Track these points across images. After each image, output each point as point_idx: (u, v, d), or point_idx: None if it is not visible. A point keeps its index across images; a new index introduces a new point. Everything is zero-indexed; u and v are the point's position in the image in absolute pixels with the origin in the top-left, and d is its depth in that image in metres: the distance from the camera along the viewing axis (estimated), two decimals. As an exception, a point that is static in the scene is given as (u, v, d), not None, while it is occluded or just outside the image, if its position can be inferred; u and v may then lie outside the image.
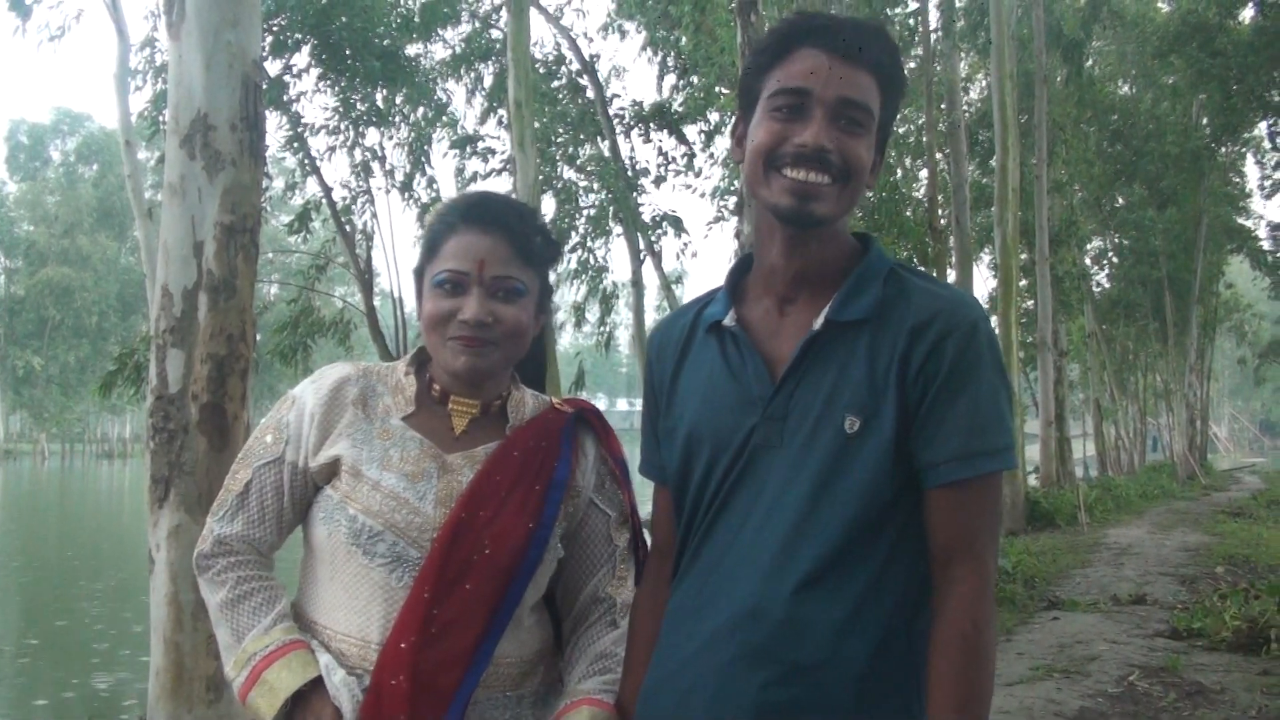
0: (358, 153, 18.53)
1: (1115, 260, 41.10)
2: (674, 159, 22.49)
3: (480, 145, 22.23)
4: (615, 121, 21.73)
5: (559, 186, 23.08)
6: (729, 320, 2.04)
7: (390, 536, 2.07)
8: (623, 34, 23.04)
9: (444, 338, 2.14)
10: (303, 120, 17.79)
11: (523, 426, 2.22)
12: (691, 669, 1.93)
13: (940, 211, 21.32)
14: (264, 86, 5.02)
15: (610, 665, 2.20)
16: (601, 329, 25.01)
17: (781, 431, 1.93)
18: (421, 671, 2.00)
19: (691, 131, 22.68)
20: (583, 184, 23.39)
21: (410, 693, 1.99)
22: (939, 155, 23.26)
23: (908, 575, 1.90)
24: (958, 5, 23.38)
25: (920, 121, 24.17)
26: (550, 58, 22.54)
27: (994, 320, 19.31)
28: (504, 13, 16.32)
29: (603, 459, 2.28)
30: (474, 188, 23.29)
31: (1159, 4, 34.02)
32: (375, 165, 18.82)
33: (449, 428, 2.19)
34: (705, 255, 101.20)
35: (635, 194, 21.83)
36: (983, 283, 30.56)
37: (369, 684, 2.03)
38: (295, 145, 17.97)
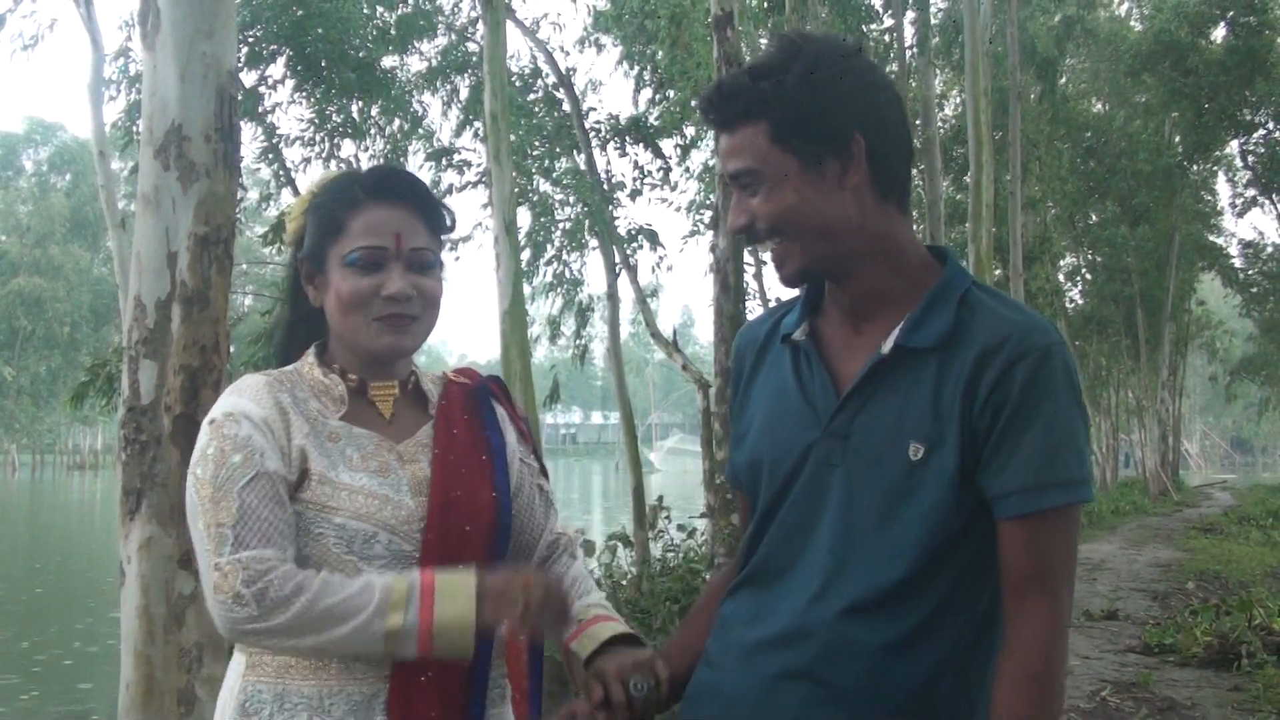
0: (333, 164, 18.49)
1: (1088, 277, 41.35)
2: (650, 172, 22.49)
3: (456, 158, 22.19)
4: (591, 135, 21.72)
5: (535, 199, 23.06)
6: (799, 334, 2.02)
7: (384, 536, 2.03)
8: (599, 48, 23.06)
9: (367, 318, 2.09)
10: (278, 131, 17.75)
11: (446, 403, 2.23)
12: (735, 679, 1.93)
13: (915, 227, 21.38)
14: (239, 97, 5.00)
15: (589, 587, 2.28)
16: (577, 342, 24.98)
17: (844, 450, 1.91)
18: (443, 662, 1.99)
19: (667, 145, 22.67)
20: (559, 197, 23.37)
21: (440, 682, 2.01)
22: (914, 171, 23.31)
23: (971, 606, 1.87)
24: (932, 22, 23.51)
25: (895, 137, 24.22)
26: (527, 71, 22.53)
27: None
28: (480, 26, 16.31)
29: (511, 419, 2.32)
30: (451, 200, 23.27)
31: (1132, 23, 34.31)
32: (350, 177, 18.76)
33: (379, 415, 2.16)
34: (681, 269, 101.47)
35: (611, 207, 21.81)
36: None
37: (390, 686, 1.98)
38: (270, 156, 17.93)
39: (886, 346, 1.90)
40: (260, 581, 1.91)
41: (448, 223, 2.21)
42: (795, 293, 2.10)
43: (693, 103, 2.19)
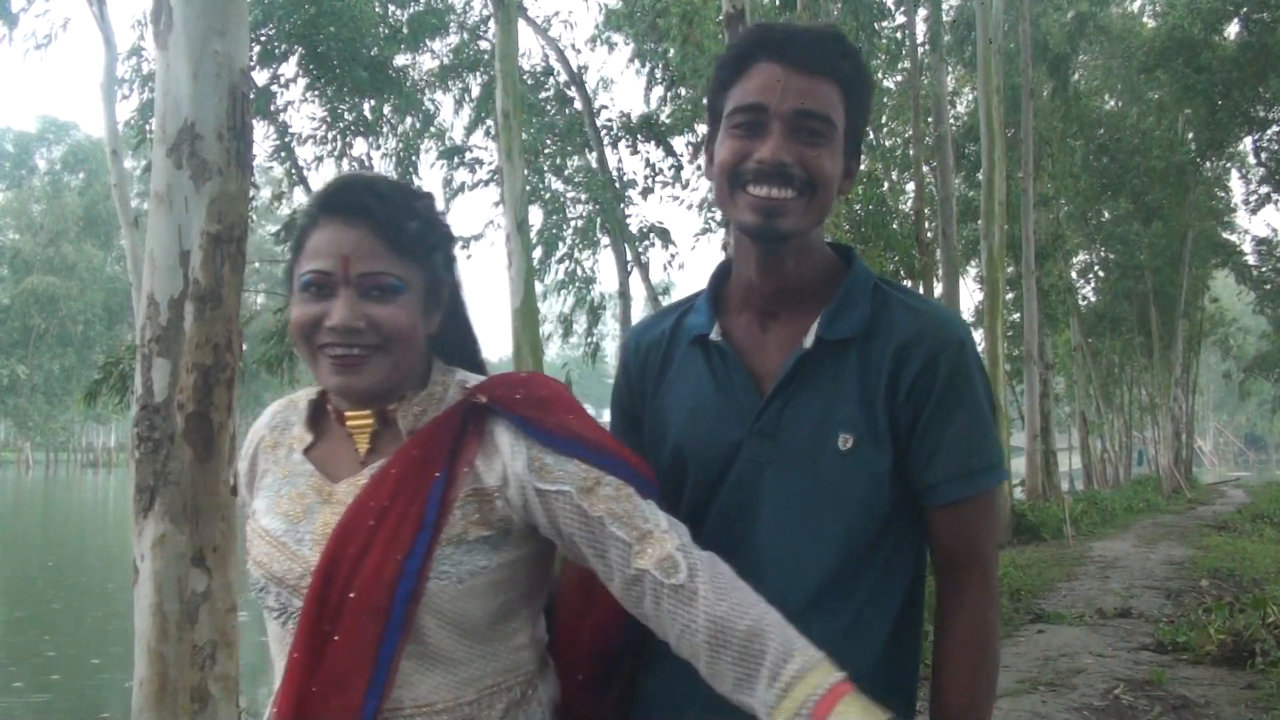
0: (345, 162, 18.54)
1: (1101, 274, 41.30)
2: (661, 170, 22.54)
3: (468, 156, 22.26)
4: (603, 133, 21.75)
5: (547, 197, 23.08)
6: (715, 335, 2.00)
7: (274, 588, 1.81)
8: (611, 46, 23.07)
9: (314, 351, 1.81)
10: (290, 130, 17.79)
11: (416, 433, 1.85)
12: (684, 685, 1.84)
13: (927, 224, 21.36)
14: (251, 96, 5.00)
15: (754, 643, 1.66)
16: (589, 340, 25.01)
17: (772, 448, 1.91)
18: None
19: (679, 143, 22.75)
20: (570, 195, 23.40)
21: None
22: (926, 168, 23.31)
23: (900, 582, 1.92)
24: (944, 19, 23.47)
25: (907, 135, 24.26)
26: (538, 69, 22.58)
27: (980, 333, 19.38)
28: (492, 24, 16.33)
29: (528, 440, 1.82)
30: (461, 199, 23.32)
31: (1145, 19, 34.21)
32: (363, 175, 18.80)
33: (353, 450, 1.89)
34: (692, 266, 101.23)
35: (622, 205, 21.84)
36: (969, 296, 30.70)
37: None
38: (283, 155, 17.98)
39: (808, 340, 1.92)
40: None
41: (424, 238, 1.88)
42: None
43: (767, 33, 1.99)
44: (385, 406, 1.87)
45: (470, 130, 22.47)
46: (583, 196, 22.92)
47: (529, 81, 21.59)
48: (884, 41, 21.71)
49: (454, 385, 1.91)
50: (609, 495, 1.79)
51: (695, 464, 1.97)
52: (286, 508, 1.86)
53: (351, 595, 1.71)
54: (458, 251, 2.03)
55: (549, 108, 22.64)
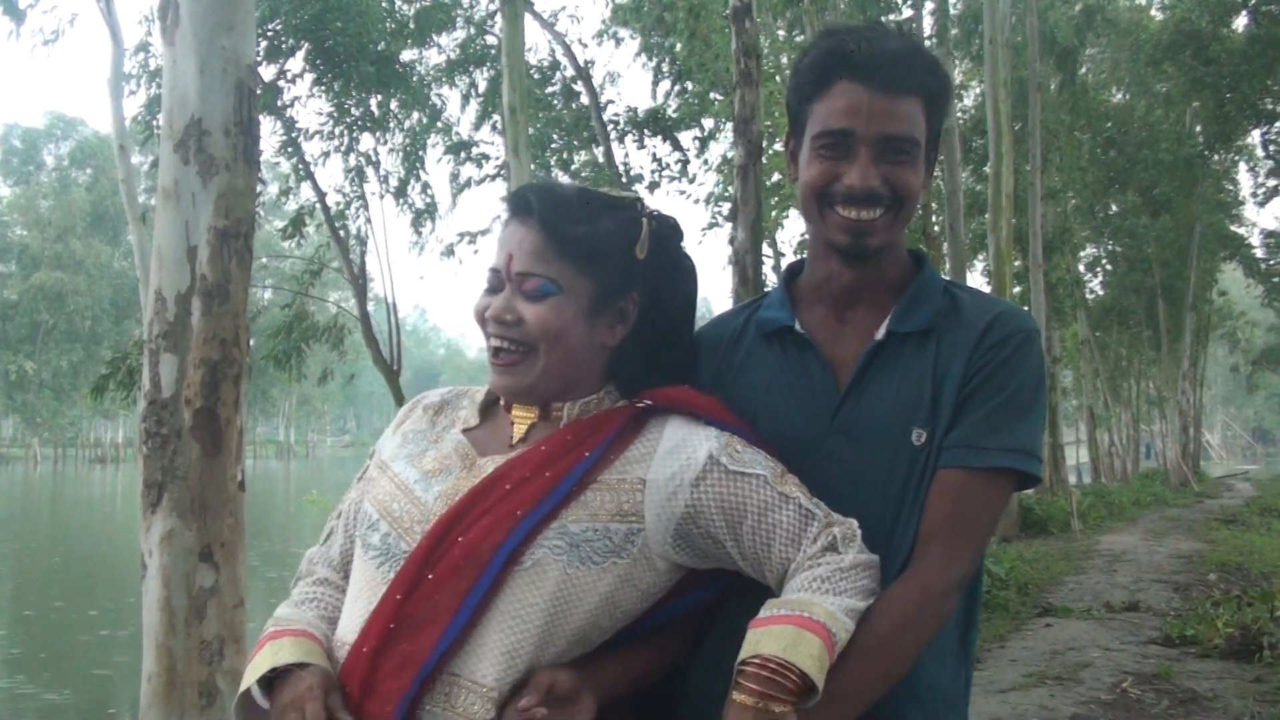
0: (352, 158, 18.53)
1: (1109, 267, 41.19)
2: (668, 165, 22.49)
3: (475, 151, 22.24)
4: (610, 127, 21.72)
5: (553, 192, 23.08)
6: (799, 326, 2.03)
7: (384, 526, 1.85)
8: (617, 40, 23.04)
9: (487, 344, 1.91)
10: (297, 125, 17.78)
11: (577, 421, 1.91)
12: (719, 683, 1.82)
13: (934, 218, 21.33)
14: (258, 91, 5.01)
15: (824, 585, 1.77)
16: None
17: (848, 446, 1.93)
18: (374, 679, 1.73)
19: (686, 138, 22.68)
20: (577, 190, 23.41)
21: (357, 702, 1.72)
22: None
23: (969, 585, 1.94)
24: (952, 12, 23.42)
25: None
26: (545, 64, 22.54)
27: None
28: (499, 19, 16.32)
29: (718, 429, 1.88)
30: (469, 194, 23.33)
31: (1153, 12, 34.09)
32: (369, 170, 18.82)
33: (509, 435, 1.94)
34: (699, 261, 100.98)
35: (629, 200, 21.83)
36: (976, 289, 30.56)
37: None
38: (289, 150, 17.96)
39: (880, 332, 1.96)
40: (296, 581, 2.04)
41: (594, 243, 1.88)
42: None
43: (849, 48, 1.99)
44: (550, 405, 1.92)
45: (477, 125, 22.46)
46: (590, 191, 22.93)
47: (535, 76, 21.57)
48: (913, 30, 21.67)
49: (621, 401, 1.96)
50: (796, 482, 1.86)
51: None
52: (427, 465, 1.92)
53: (460, 539, 1.76)
54: (660, 274, 2.00)
55: (555, 102, 22.63)
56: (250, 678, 1.79)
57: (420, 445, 1.98)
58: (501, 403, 1.98)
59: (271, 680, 1.78)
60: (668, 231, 2.01)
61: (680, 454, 1.84)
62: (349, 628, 1.82)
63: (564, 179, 23.54)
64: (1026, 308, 25.48)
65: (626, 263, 1.92)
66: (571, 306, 1.86)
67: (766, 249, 16.86)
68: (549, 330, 1.84)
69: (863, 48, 1.92)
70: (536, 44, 22.86)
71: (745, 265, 10.38)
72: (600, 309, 1.91)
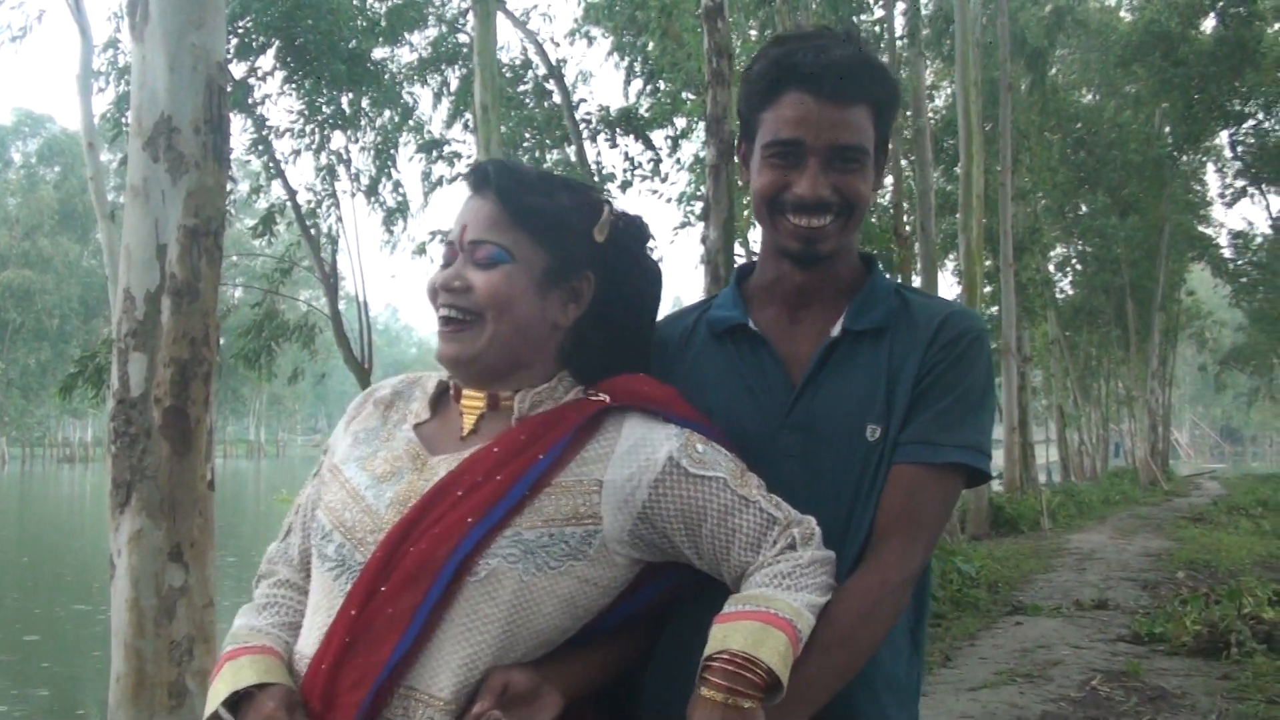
0: (323, 156, 18.49)
1: (1078, 267, 41.43)
2: (640, 164, 22.49)
3: (446, 149, 22.19)
4: (582, 126, 21.71)
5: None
6: (753, 324, 2.05)
7: (338, 537, 1.81)
8: (590, 39, 23.03)
9: (436, 314, 1.87)
10: (268, 123, 17.72)
11: (525, 419, 1.86)
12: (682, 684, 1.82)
13: (905, 218, 21.40)
14: (229, 89, 4.98)
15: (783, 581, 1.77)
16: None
17: (804, 442, 1.95)
18: (334, 693, 1.71)
19: (658, 137, 22.69)
20: (549, 189, 23.38)
21: (319, 716, 1.71)
22: (904, 161, 23.35)
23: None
24: (923, 13, 23.50)
25: (886, 128, 24.20)
26: (517, 62, 22.51)
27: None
28: (470, 17, 16.28)
29: (678, 427, 1.85)
30: (440, 192, 23.27)
31: (1122, 13, 34.32)
32: (341, 169, 18.80)
33: (459, 428, 1.89)
34: (671, 260, 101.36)
35: (601, 199, 21.83)
36: (947, 289, 30.69)
37: None
38: (260, 148, 17.90)
39: (836, 330, 2.00)
40: (256, 581, 2.02)
41: (549, 214, 1.87)
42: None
43: (797, 58, 2.00)
44: (499, 392, 1.88)
45: (449, 123, 22.41)
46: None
47: (507, 75, 21.54)
48: (862, 35, 21.70)
49: (575, 390, 1.91)
50: (757, 484, 1.84)
51: None
52: (377, 467, 1.88)
53: (411, 549, 1.72)
54: (624, 261, 1.98)
55: (528, 101, 22.60)
56: (213, 703, 1.78)
57: (371, 446, 1.93)
58: (451, 392, 1.94)
59: (236, 703, 1.77)
60: (631, 227, 1.99)
61: (639, 454, 1.81)
62: (309, 640, 1.80)
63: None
64: (997, 307, 25.64)
65: (583, 242, 1.90)
66: (523, 276, 1.84)
67: (739, 248, 16.89)
68: (498, 297, 1.81)
69: (811, 58, 1.93)
70: (509, 42, 22.81)
71: (717, 264, 10.38)
72: (553, 283, 1.88)
